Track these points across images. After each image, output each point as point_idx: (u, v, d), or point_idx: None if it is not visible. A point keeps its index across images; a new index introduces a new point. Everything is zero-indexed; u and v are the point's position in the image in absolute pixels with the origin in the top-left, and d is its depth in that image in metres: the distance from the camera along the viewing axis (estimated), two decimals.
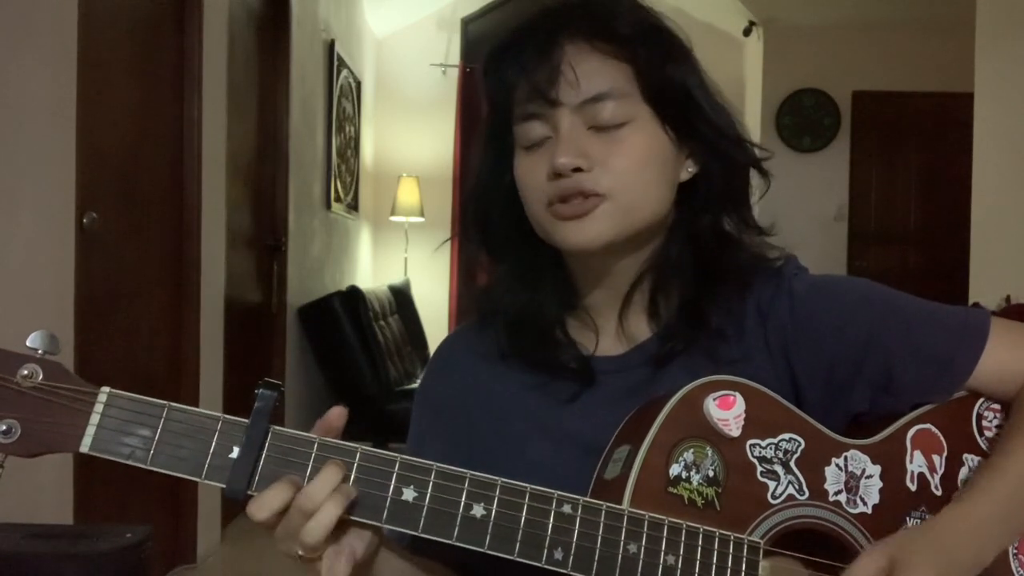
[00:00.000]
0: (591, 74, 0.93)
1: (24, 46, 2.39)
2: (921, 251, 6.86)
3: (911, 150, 6.88)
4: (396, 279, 6.33)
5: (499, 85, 0.98)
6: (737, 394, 0.88)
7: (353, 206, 5.99)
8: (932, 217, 6.78)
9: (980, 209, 4.32)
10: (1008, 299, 3.87)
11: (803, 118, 6.79)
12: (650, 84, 0.94)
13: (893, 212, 6.93)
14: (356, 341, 4.89)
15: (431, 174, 6.61)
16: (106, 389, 0.77)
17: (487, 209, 1.02)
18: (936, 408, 0.95)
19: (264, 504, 0.77)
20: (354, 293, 5.03)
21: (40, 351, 0.76)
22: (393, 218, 6.45)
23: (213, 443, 0.77)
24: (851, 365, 0.95)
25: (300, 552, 0.78)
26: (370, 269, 6.63)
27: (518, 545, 0.80)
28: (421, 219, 6.45)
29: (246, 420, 0.78)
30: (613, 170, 0.93)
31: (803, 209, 6.29)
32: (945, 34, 5.95)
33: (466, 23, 6.82)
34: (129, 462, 0.76)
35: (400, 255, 6.59)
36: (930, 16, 6.21)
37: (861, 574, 0.83)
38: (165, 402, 0.77)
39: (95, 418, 0.76)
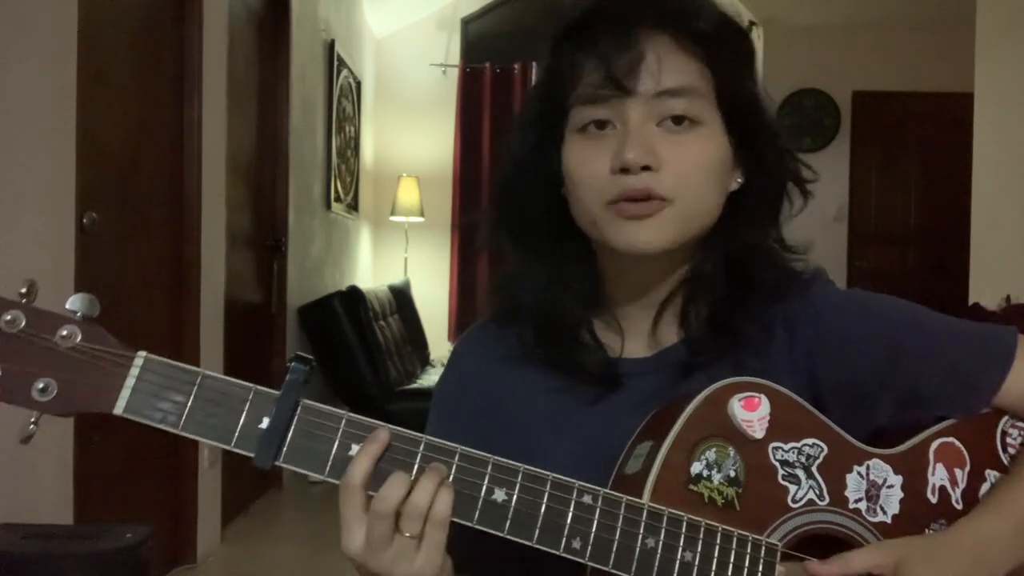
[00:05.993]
0: (673, 68, 0.90)
1: (24, 46, 2.39)
2: (921, 251, 6.86)
3: (911, 150, 6.89)
4: (396, 279, 6.33)
5: (564, 65, 0.93)
6: (762, 396, 0.88)
7: (353, 206, 5.99)
8: (932, 217, 6.78)
9: (980, 209, 4.32)
10: (1008, 299, 3.87)
11: (803, 118, 6.80)
12: (726, 91, 0.92)
13: (893, 212, 6.94)
14: (356, 341, 4.88)
15: (431, 174, 6.61)
16: (142, 353, 0.78)
17: (522, 195, 0.98)
18: (961, 422, 0.94)
19: (388, 496, 0.78)
20: (354, 293, 5.03)
21: (79, 314, 0.77)
22: (393, 218, 6.45)
23: (244, 412, 0.78)
24: (876, 381, 0.94)
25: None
26: (370, 269, 6.63)
27: (537, 532, 0.80)
28: (421, 219, 6.45)
29: (277, 392, 0.79)
30: (679, 174, 0.89)
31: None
32: (945, 34, 5.95)
33: (466, 23, 6.81)
34: (161, 426, 0.77)
35: (400, 255, 6.59)
36: (930, 16, 6.21)
37: (860, 561, 0.84)
38: (200, 370, 0.78)
39: (130, 381, 0.77)
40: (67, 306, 0.77)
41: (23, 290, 0.76)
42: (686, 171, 0.90)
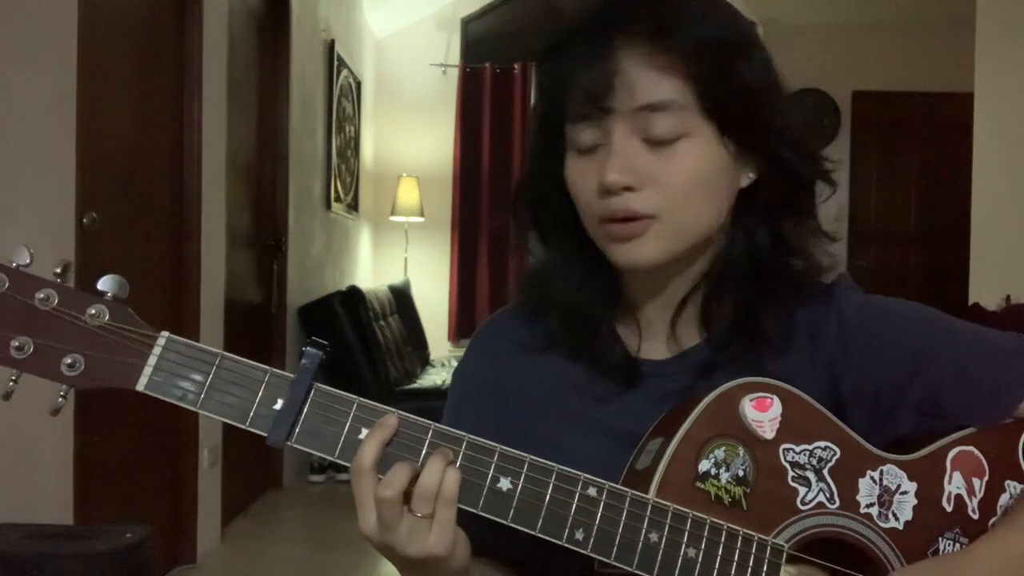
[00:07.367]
0: (647, 83, 0.88)
1: (24, 46, 2.39)
2: (921, 251, 6.86)
3: (911, 150, 6.89)
4: (396, 279, 6.33)
5: (552, 81, 0.94)
6: (774, 397, 0.87)
7: (353, 206, 5.99)
8: (932, 217, 6.78)
9: (980, 209, 4.32)
10: (1008, 299, 3.87)
11: (803, 118, 6.78)
12: (709, 100, 0.90)
13: (893, 212, 6.94)
14: (356, 341, 4.89)
15: (431, 174, 6.61)
16: (165, 333, 0.81)
17: (539, 199, 1.00)
18: (981, 432, 0.93)
19: (392, 482, 0.79)
20: (354, 293, 5.03)
21: (109, 294, 0.81)
22: (393, 218, 6.45)
23: (260, 394, 0.81)
24: (898, 388, 0.93)
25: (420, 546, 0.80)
26: (370, 269, 6.63)
27: (540, 521, 0.81)
28: (421, 219, 6.45)
29: (292, 375, 0.82)
30: (663, 189, 0.89)
31: None
32: (945, 34, 5.95)
33: (466, 23, 6.81)
34: (181, 403, 0.81)
35: (400, 255, 6.59)
36: (930, 16, 6.22)
37: None
38: (219, 351, 0.81)
39: (152, 360, 0.80)
40: (98, 286, 0.81)
41: (58, 270, 0.80)
42: (671, 186, 0.89)
